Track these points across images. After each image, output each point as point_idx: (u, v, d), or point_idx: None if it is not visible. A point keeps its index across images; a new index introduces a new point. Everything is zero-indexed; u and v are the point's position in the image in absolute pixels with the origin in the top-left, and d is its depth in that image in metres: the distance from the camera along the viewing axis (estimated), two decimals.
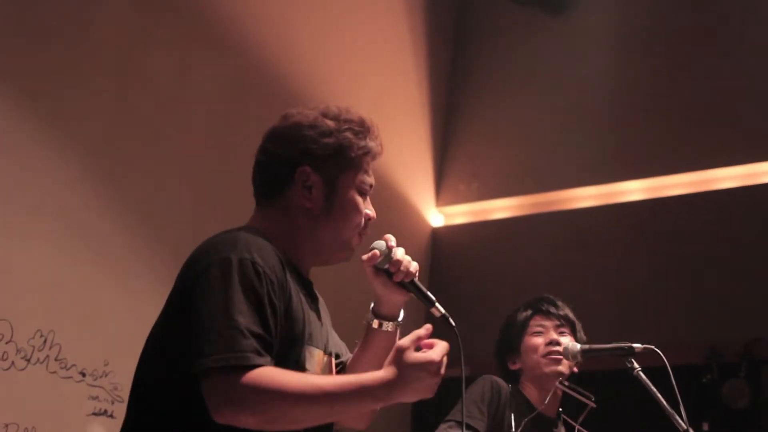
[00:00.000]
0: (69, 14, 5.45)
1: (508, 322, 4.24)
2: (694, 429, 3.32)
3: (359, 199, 2.73)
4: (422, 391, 2.46)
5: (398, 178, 7.73)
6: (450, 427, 3.91)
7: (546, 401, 4.08)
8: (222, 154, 5.91)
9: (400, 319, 2.90)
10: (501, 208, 7.87)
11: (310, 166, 2.64)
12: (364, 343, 2.88)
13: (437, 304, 2.81)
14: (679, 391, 3.37)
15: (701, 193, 7.02)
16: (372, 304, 2.89)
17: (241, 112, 6.33)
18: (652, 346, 3.61)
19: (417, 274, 2.80)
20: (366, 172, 2.76)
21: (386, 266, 2.75)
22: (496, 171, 7.96)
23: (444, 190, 8.11)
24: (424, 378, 2.44)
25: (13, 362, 5.07)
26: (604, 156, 7.45)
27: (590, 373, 4.99)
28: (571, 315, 4.21)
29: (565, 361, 4.03)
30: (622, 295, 7.00)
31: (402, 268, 2.74)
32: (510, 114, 8.03)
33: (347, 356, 2.89)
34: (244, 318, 2.33)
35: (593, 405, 3.96)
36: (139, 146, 5.59)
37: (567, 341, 4.05)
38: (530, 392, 4.11)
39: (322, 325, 2.71)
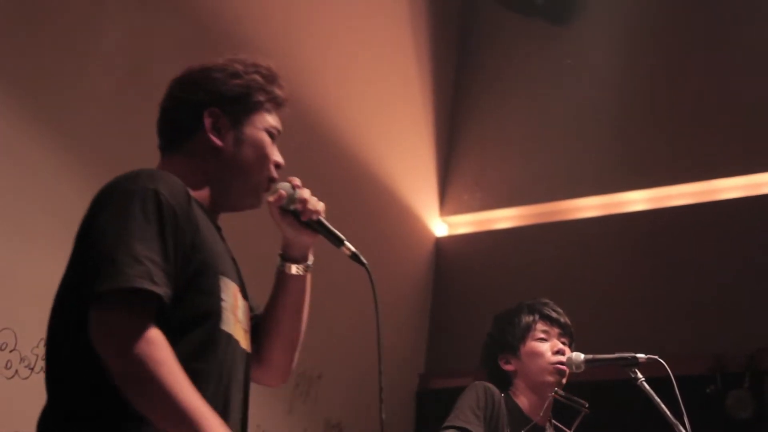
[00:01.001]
0: (76, 20, 5.47)
1: (507, 321, 4.20)
2: None
3: (268, 140, 2.72)
4: None
5: (402, 188, 7.74)
6: None
7: (542, 412, 4.07)
8: None
9: (310, 262, 2.87)
10: (505, 218, 7.87)
11: (219, 108, 2.63)
12: (276, 291, 2.84)
13: (346, 242, 2.83)
14: (682, 402, 3.37)
15: (705, 204, 7.02)
16: (281, 250, 2.83)
17: None
18: (656, 357, 3.61)
19: (323, 213, 2.79)
20: (273, 116, 2.76)
21: (292, 207, 2.73)
22: (500, 181, 7.96)
23: (448, 199, 8.11)
24: None
25: (17, 371, 5.07)
26: (607, 166, 7.45)
27: (593, 383, 5.00)
28: (569, 323, 4.21)
29: (566, 372, 4.03)
30: (626, 304, 7.00)
31: (309, 206, 2.74)
32: (514, 124, 8.04)
33: (260, 310, 2.84)
34: (141, 245, 2.29)
35: (587, 411, 3.95)
36: (148, 153, 5.60)
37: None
38: (523, 399, 4.08)
39: (234, 263, 2.64)
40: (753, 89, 7.07)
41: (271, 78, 2.76)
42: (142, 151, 2.81)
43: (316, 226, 2.78)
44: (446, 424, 3.95)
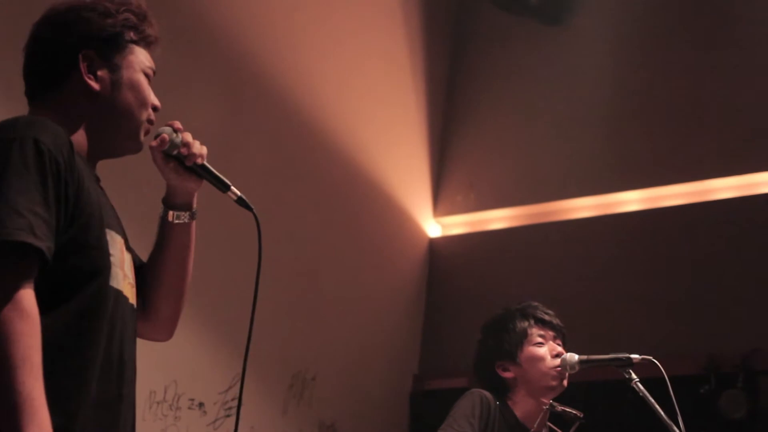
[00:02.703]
0: None
1: (500, 328, 4.17)
2: None
3: (146, 82, 2.58)
4: None
5: (396, 189, 7.74)
6: None
7: (537, 422, 4.06)
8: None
9: (194, 209, 2.73)
10: (498, 219, 7.88)
11: (93, 50, 2.51)
12: (159, 240, 2.72)
13: (232, 187, 2.66)
14: (676, 402, 3.37)
15: (698, 204, 7.03)
16: (164, 197, 2.72)
17: (238, 120, 6.35)
18: (650, 357, 3.61)
19: (205, 158, 2.65)
20: (147, 56, 2.62)
21: (175, 152, 2.61)
22: (494, 181, 7.96)
23: (441, 200, 8.12)
24: None
25: None
26: (601, 166, 7.46)
27: (587, 383, 5.00)
28: (562, 324, 4.20)
29: (566, 375, 4.02)
30: (620, 305, 7.00)
31: (194, 150, 2.60)
32: (507, 125, 8.04)
33: (140, 261, 2.71)
34: (21, 196, 2.19)
35: (583, 421, 3.95)
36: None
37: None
38: (520, 407, 4.06)
39: (116, 215, 2.54)
40: (746, 89, 7.08)
41: (142, 16, 2.61)
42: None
43: (200, 171, 2.65)
44: (440, 431, 3.93)
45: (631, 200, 7.32)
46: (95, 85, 2.51)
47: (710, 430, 6.23)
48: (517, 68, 8.12)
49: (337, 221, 7.22)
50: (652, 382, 3.57)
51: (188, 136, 2.61)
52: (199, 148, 2.62)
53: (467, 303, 7.39)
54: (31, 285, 2.19)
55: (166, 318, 2.71)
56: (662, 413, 3.45)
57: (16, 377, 2.10)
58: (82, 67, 2.50)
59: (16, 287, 2.15)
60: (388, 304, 7.65)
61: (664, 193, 7.20)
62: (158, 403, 5.78)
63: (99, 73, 2.52)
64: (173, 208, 2.69)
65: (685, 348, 6.57)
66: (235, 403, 6.22)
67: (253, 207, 2.66)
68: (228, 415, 6.20)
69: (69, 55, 2.51)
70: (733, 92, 7.13)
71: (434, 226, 8.08)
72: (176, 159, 2.62)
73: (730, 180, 6.97)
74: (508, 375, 4.09)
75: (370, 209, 7.55)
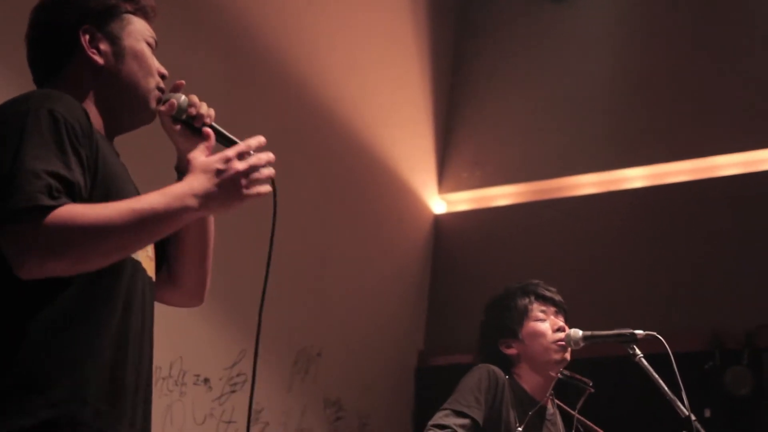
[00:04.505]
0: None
1: (502, 306, 4.18)
2: (695, 416, 3.32)
3: (149, 50, 2.58)
4: (229, 189, 2.32)
5: (401, 166, 7.74)
6: (446, 415, 3.89)
7: (549, 393, 4.07)
8: None
9: None
10: (503, 195, 7.88)
11: (92, 24, 2.51)
12: None
13: None
14: (681, 378, 3.37)
15: (703, 180, 7.03)
16: (176, 164, 2.69)
17: (243, 98, 6.34)
18: (654, 333, 3.61)
19: (214, 119, 2.61)
20: (147, 26, 2.61)
21: (184, 116, 2.59)
22: (499, 158, 7.96)
23: (446, 177, 8.11)
24: (225, 171, 2.32)
25: None
26: (605, 143, 7.45)
27: (592, 359, 5.00)
28: (563, 300, 4.20)
29: (568, 347, 4.03)
30: (625, 281, 7.01)
31: (202, 111, 2.58)
32: (512, 102, 8.04)
33: None
34: (39, 162, 2.19)
35: (592, 390, 3.96)
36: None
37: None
38: (527, 380, 4.08)
39: (135, 188, 2.53)
40: (751, 65, 7.07)
41: None
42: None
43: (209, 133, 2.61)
44: (445, 406, 3.94)
45: (636, 177, 7.32)
46: (99, 59, 2.50)
47: (714, 407, 6.25)
48: (522, 45, 8.11)
49: (342, 198, 7.22)
50: (657, 359, 3.57)
51: (195, 98, 2.60)
52: (206, 109, 2.60)
53: (472, 279, 7.39)
54: None
55: (193, 285, 2.72)
56: (666, 389, 3.45)
57: (135, 209, 2.22)
58: (84, 42, 2.50)
59: (43, 226, 2.15)
60: (393, 281, 7.66)
61: (668, 169, 7.19)
62: (164, 379, 5.79)
63: (101, 46, 2.51)
64: (185, 174, 2.68)
65: (690, 324, 6.58)
66: (241, 379, 6.24)
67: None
68: (233, 391, 6.21)
69: (69, 33, 2.51)
70: (737, 69, 7.12)
71: (439, 203, 8.08)
72: (184, 123, 2.60)
73: (734, 156, 6.96)
74: (511, 352, 4.10)
75: (375, 186, 7.55)
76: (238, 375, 6.22)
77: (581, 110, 7.60)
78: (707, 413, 6.20)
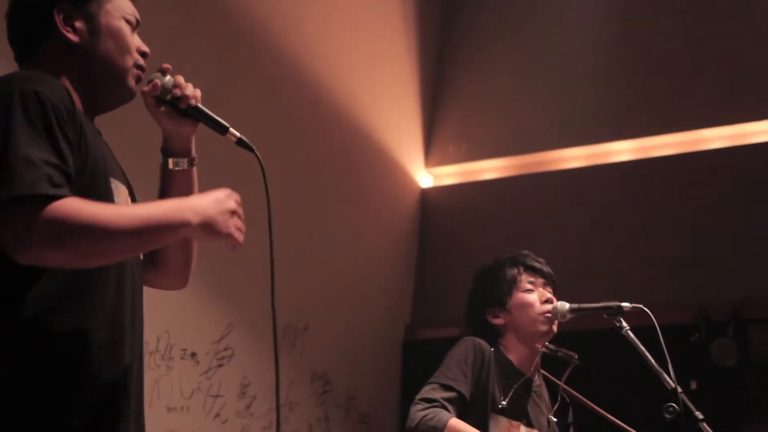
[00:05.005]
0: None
1: (490, 276, 4.18)
2: (682, 387, 3.33)
3: (127, 28, 2.53)
4: (224, 221, 2.38)
5: (387, 139, 7.73)
6: (433, 389, 3.89)
7: (534, 365, 4.08)
8: None
9: (193, 155, 2.70)
10: (490, 169, 7.88)
11: (67, 2, 2.48)
12: (162, 189, 2.69)
13: (231, 129, 2.60)
14: (667, 351, 3.37)
15: (689, 154, 7.03)
16: (162, 145, 2.68)
17: (229, 73, 6.33)
18: (641, 306, 3.61)
19: (200, 100, 2.60)
20: (127, 3, 2.57)
21: (168, 96, 2.57)
22: (485, 132, 7.96)
23: (433, 151, 8.11)
24: (221, 201, 2.38)
25: None
26: (592, 117, 7.45)
27: (579, 332, 5.01)
28: (552, 272, 4.20)
29: (555, 320, 4.04)
30: (611, 254, 7.02)
31: (187, 92, 2.56)
32: (499, 75, 8.02)
33: None
34: (33, 149, 2.19)
35: (577, 363, 3.96)
36: None
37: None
38: (513, 352, 4.08)
39: (119, 165, 2.54)
40: (739, 39, 7.06)
41: None
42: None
43: (195, 114, 2.60)
44: (432, 380, 3.94)
45: (623, 150, 7.32)
46: (73, 37, 2.48)
47: (701, 379, 6.27)
48: (508, 19, 8.09)
49: (328, 172, 7.21)
50: (643, 331, 3.57)
51: (180, 79, 2.58)
52: (192, 90, 2.58)
53: (459, 253, 7.40)
54: None
55: (177, 268, 2.72)
56: (653, 361, 3.46)
57: (137, 216, 2.25)
58: (58, 20, 2.47)
59: (45, 216, 2.15)
60: (379, 254, 7.67)
61: (655, 143, 7.20)
62: (150, 353, 5.79)
63: (76, 24, 2.49)
64: (171, 155, 2.66)
65: (676, 297, 6.60)
66: (228, 353, 6.25)
67: (254, 147, 2.60)
68: (220, 365, 6.22)
69: (44, 10, 2.48)
70: (725, 42, 7.12)
71: (426, 177, 8.08)
72: (169, 104, 2.58)
73: (721, 130, 6.97)
74: (498, 322, 4.10)
75: (361, 160, 7.54)
76: (225, 349, 6.23)
77: (568, 84, 7.59)
78: (693, 385, 6.22)
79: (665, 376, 3.38)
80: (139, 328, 2.47)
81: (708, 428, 3.27)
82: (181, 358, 6.09)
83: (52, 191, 2.16)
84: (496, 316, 4.10)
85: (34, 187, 2.15)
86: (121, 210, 2.29)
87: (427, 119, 8.15)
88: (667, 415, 3.20)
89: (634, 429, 4.06)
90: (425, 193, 8.05)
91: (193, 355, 6.16)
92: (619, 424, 4.11)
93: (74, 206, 2.17)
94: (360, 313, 7.31)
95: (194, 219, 2.32)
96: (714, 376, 6.36)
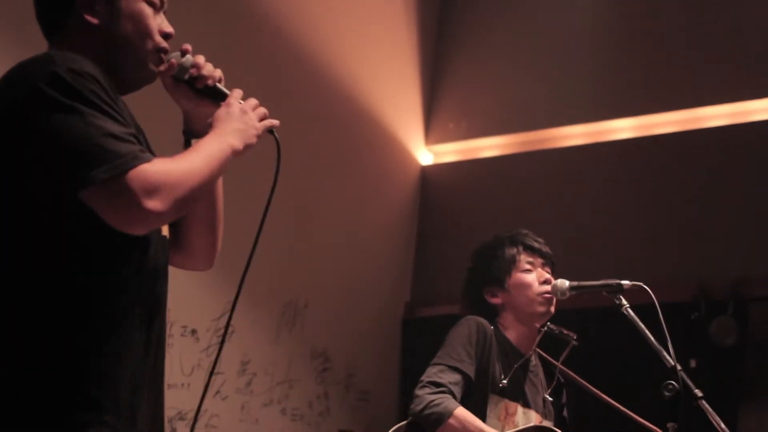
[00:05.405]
0: None
1: (489, 255, 4.18)
2: (681, 366, 3.33)
3: (148, 10, 2.54)
4: (247, 123, 2.54)
5: (387, 116, 7.72)
6: (441, 371, 3.90)
7: (534, 345, 4.08)
8: None
9: None
10: (490, 147, 7.86)
11: None
12: None
13: None
14: (667, 329, 3.38)
15: (690, 131, 7.02)
16: (183, 127, 2.72)
17: (228, 48, 6.32)
18: (641, 283, 3.61)
19: (222, 80, 2.64)
20: None
21: (186, 76, 2.59)
22: (486, 109, 7.94)
23: (433, 128, 8.09)
24: (236, 108, 2.54)
25: None
26: (593, 94, 7.43)
27: (578, 310, 5.02)
28: (551, 252, 4.21)
29: (554, 300, 4.04)
30: (611, 232, 7.02)
31: (204, 72, 2.59)
32: (500, 52, 8.00)
33: None
34: (108, 123, 2.27)
35: (576, 343, 3.97)
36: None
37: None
38: (511, 331, 4.09)
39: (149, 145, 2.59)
40: (741, 16, 7.04)
41: None
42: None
43: (212, 94, 2.61)
44: (437, 361, 3.94)
45: (623, 128, 7.31)
46: (93, 20, 2.48)
47: (700, 357, 6.28)
48: None
49: (328, 149, 7.21)
50: (643, 309, 3.58)
51: (200, 59, 2.60)
52: (210, 70, 2.60)
53: (459, 230, 7.40)
54: None
55: (202, 249, 2.74)
56: (652, 339, 3.46)
57: (208, 154, 2.41)
58: (79, 2, 2.48)
59: (148, 182, 2.27)
60: (379, 232, 7.66)
61: (656, 120, 7.18)
62: None
63: (96, 6, 2.49)
64: (193, 136, 2.68)
65: (676, 275, 6.60)
66: (228, 330, 6.25)
67: (277, 135, 2.67)
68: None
69: None
70: (725, 19, 7.09)
71: (426, 154, 8.07)
72: (188, 83, 2.60)
73: (721, 108, 6.95)
74: (495, 301, 4.11)
75: (361, 138, 7.53)
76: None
77: (568, 61, 7.57)
78: (693, 363, 6.22)
79: (665, 353, 3.39)
80: (162, 310, 2.52)
81: (707, 406, 3.28)
82: (182, 335, 6.10)
83: (146, 158, 2.27)
84: (493, 295, 4.11)
85: (133, 159, 2.25)
86: (190, 155, 2.41)
87: (427, 97, 8.13)
88: (667, 393, 3.21)
89: (633, 406, 4.08)
90: (425, 171, 8.04)
91: (194, 332, 6.17)
92: (615, 405, 4.12)
93: (165, 166, 2.30)
94: (360, 291, 7.31)
95: (237, 143, 2.47)
96: (713, 354, 6.36)
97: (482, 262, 4.19)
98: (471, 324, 4.00)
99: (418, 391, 3.85)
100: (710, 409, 3.29)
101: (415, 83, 8.05)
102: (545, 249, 4.16)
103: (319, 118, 7.13)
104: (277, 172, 2.62)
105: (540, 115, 7.64)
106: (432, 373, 3.90)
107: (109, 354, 2.31)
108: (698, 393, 3.28)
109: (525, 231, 4.21)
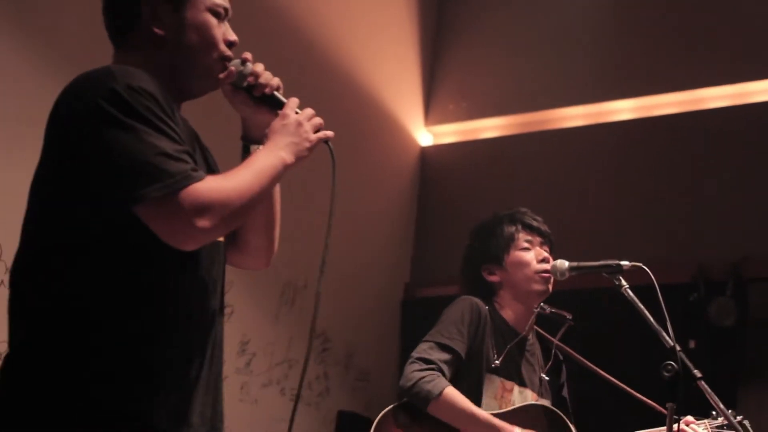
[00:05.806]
0: None
1: (488, 232, 4.18)
2: (680, 346, 3.34)
3: (213, 21, 2.60)
4: (300, 135, 2.64)
5: (387, 98, 7.71)
6: (430, 347, 3.91)
7: (529, 325, 4.09)
8: None
9: None
10: (490, 128, 7.86)
11: None
12: None
13: None
14: (666, 309, 3.38)
15: (690, 113, 7.02)
16: (242, 133, 2.78)
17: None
18: (640, 264, 3.61)
19: (281, 89, 2.72)
20: None
21: (245, 83, 2.65)
22: (486, 90, 7.93)
23: (433, 109, 8.09)
24: (290, 121, 2.63)
25: (2, 281, 5.08)
26: (593, 75, 7.43)
27: (577, 290, 5.02)
28: (549, 231, 4.21)
29: (552, 279, 4.04)
30: (611, 213, 7.03)
31: (262, 80, 2.66)
32: (499, 33, 7.99)
33: None
34: (162, 141, 2.31)
35: (572, 323, 3.98)
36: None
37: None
38: (508, 311, 4.09)
39: (203, 154, 2.67)
40: None
41: None
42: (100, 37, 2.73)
43: (270, 102, 2.68)
44: (428, 338, 3.95)
45: (624, 109, 7.31)
46: (160, 31, 2.53)
47: (699, 338, 6.29)
48: None
49: (328, 130, 7.19)
50: (642, 290, 3.58)
51: (259, 67, 2.65)
52: (268, 79, 2.66)
53: (458, 211, 7.40)
54: None
55: (259, 249, 2.83)
56: (652, 320, 3.47)
57: (258, 170, 2.48)
58: (146, 12, 2.52)
59: (199, 200, 2.32)
60: (379, 213, 7.66)
61: (656, 102, 7.19)
62: None
63: (164, 18, 2.54)
64: (251, 142, 2.73)
65: (675, 256, 6.61)
66: (227, 310, 6.24)
67: (330, 144, 2.80)
68: None
69: (133, 2, 2.54)
70: (725, 1, 7.09)
71: (425, 135, 8.07)
72: (246, 91, 2.65)
73: (721, 89, 6.95)
74: (493, 278, 4.11)
75: (361, 118, 7.52)
76: (225, 306, 6.24)
77: (568, 43, 7.56)
78: (692, 344, 6.24)
79: (664, 334, 3.39)
80: (220, 312, 2.64)
81: (706, 387, 3.28)
82: None
83: (198, 177, 2.32)
84: (491, 273, 4.11)
85: (184, 179, 2.29)
86: (241, 172, 2.44)
87: (427, 77, 8.12)
88: (666, 374, 3.21)
89: (632, 386, 4.08)
90: (425, 152, 8.04)
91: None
92: (612, 381, 4.13)
93: (216, 185, 2.35)
94: (360, 271, 7.31)
95: (289, 157, 2.56)
96: (712, 335, 6.38)
97: (480, 239, 4.19)
98: (465, 304, 4.00)
99: (408, 368, 3.86)
100: (709, 390, 3.29)
101: (415, 64, 8.04)
102: (544, 228, 4.16)
103: (318, 100, 7.05)
104: (333, 182, 2.67)
105: (539, 96, 7.64)
106: (422, 350, 3.90)
107: (161, 361, 2.38)
108: (697, 373, 3.28)
109: (524, 209, 4.21)
